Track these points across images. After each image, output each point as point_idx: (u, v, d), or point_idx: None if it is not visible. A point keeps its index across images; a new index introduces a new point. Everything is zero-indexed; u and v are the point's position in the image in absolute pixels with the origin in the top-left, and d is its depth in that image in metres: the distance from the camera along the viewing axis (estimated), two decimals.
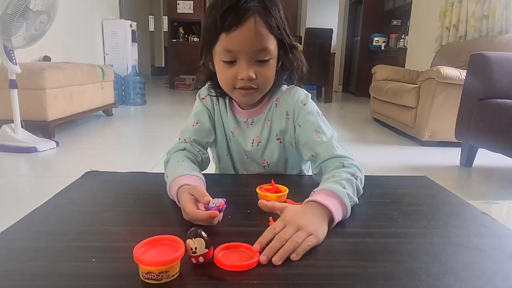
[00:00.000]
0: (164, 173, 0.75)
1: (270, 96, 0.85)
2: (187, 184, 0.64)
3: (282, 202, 0.63)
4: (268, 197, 0.63)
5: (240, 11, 0.68)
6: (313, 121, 0.78)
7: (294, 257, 0.48)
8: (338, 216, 0.58)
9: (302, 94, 0.83)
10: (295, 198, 0.65)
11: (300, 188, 0.76)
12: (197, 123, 0.85)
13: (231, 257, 0.47)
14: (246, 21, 0.68)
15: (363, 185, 0.69)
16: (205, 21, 0.74)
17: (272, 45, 0.73)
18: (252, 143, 0.85)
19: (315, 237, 0.52)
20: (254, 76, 0.72)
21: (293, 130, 0.83)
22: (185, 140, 0.83)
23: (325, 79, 5.61)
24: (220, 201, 0.56)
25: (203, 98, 0.88)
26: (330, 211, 0.57)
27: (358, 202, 0.65)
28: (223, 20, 0.68)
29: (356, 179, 0.67)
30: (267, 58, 0.73)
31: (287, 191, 0.65)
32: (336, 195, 0.60)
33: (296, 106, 0.81)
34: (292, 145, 0.85)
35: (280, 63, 0.79)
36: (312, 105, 0.82)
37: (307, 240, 0.51)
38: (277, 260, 0.47)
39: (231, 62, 0.72)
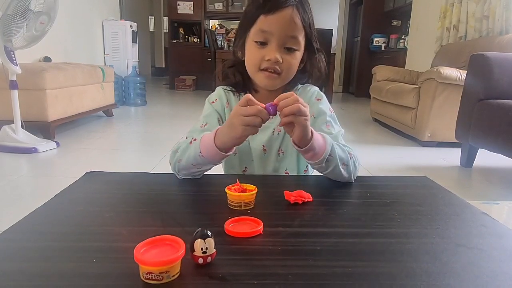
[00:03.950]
0: (166, 173, 0.75)
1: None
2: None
3: (252, 200, 0.64)
4: (242, 196, 0.64)
5: (281, 0, 0.78)
6: (325, 116, 0.88)
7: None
8: (317, 140, 0.71)
9: (316, 90, 0.93)
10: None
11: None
12: (205, 124, 0.87)
13: (239, 227, 0.56)
14: (285, 9, 0.78)
15: (357, 169, 0.79)
16: (247, 7, 0.84)
17: (301, 38, 0.81)
18: (273, 132, 0.90)
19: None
20: (281, 60, 0.79)
21: None
22: (193, 138, 0.83)
23: (325, 80, 5.60)
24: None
25: (212, 102, 0.91)
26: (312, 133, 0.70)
27: (347, 176, 0.76)
28: (265, 4, 0.78)
29: (351, 158, 0.78)
30: (295, 48, 0.81)
31: (256, 190, 0.65)
32: (322, 136, 0.73)
33: (311, 99, 0.90)
34: None
35: (302, 65, 0.87)
36: (326, 102, 0.91)
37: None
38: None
39: (262, 43, 0.80)
